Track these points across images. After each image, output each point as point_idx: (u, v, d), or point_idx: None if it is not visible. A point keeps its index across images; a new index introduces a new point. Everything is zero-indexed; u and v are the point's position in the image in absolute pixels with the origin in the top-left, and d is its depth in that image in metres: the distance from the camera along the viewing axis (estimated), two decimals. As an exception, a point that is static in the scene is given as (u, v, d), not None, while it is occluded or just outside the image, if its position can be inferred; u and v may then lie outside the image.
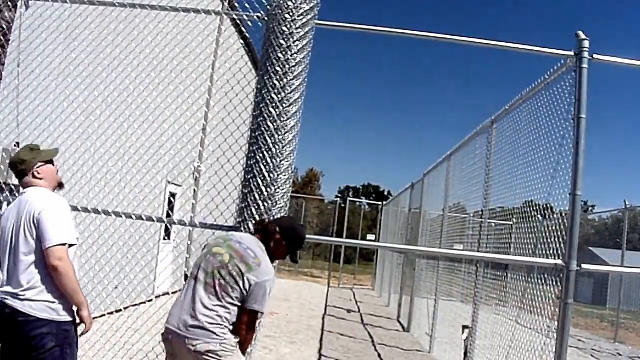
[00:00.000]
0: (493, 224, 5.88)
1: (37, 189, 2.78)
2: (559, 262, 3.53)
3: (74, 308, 2.69)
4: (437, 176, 8.90)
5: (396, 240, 13.57)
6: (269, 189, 3.42)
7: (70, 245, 2.65)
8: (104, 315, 6.01)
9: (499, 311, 5.66)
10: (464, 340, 5.59)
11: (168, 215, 9.04)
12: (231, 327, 2.69)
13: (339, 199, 22.81)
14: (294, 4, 3.49)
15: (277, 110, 3.44)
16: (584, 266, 3.53)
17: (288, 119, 3.48)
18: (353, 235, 20.91)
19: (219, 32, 7.66)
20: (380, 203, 21.78)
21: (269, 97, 3.45)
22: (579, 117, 3.54)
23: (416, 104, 71.87)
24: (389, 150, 74.17)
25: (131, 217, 4.05)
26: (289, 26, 3.48)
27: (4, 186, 4.57)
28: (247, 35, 9.31)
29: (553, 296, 3.86)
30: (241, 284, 2.67)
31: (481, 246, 5.86)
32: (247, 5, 3.97)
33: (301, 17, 3.51)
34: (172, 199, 9.80)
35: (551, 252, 3.78)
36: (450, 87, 72.60)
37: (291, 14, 3.49)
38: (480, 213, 6.00)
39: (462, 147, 7.26)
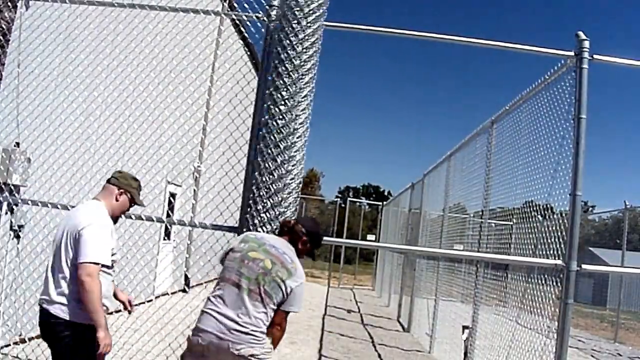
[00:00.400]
0: (493, 224, 5.88)
1: (102, 207, 2.93)
2: (559, 262, 3.53)
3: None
4: (437, 176, 8.90)
5: (396, 241, 13.57)
6: (274, 186, 3.42)
7: (103, 265, 2.76)
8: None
9: (499, 311, 5.66)
10: (464, 341, 5.58)
11: (168, 215, 9.04)
12: (266, 332, 2.73)
13: (339, 199, 22.82)
14: (304, 2, 3.50)
15: (285, 106, 3.44)
16: (584, 266, 3.53)
17: (296, 116, 3.48)
18: (353, 235, 20.91)
19: (219, 32, 7.66)
20: (380, 203, 21.78)
21: (277, 95, 3.45)
22: (579, 117, 3.54)
23: (416, 104, 71.93)
24: (389, 150, 74.22)
25: (131, 217, 4.05)
26: (297, 25, 3.48)
27: (3, 186, 4.57)
28: (246, 35, 9.33)
29: (553, 296, 3.85)
30: (283, 290, 2.72)
31: (481, 246, 5.86)
32: (245, 5, 3.98)
33: (310, 16, 3.51)
34: (172, 198, 9.80)
35: (551, 252, 3.78)
36: (450, 87, 72.62)
37: (300, 13, 3.49)
38: (480, 213, 6.00)
39: (462, 147, 7.26)
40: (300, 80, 3.48)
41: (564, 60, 3.79)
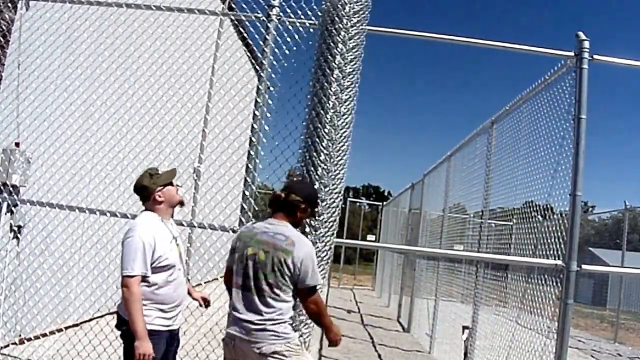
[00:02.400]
0: (493, 225, 5.88)
1: (145, 216, 2.98)
2: (559, 262, 3.53)
3: (166, 321, 2.88)
4: (437, 176, 8.90)
5: (396, 241, 13.56)
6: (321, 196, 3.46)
7: (145, 276, 2.80)
8: (104, 315, 6.00)
9: (499, 311, 5.65)
10: (464, 341, 5.58)
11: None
12: (292, 321, 2.68)
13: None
14: (350, 8, 3.54)
15: (330, 115, 3.49)
16: (584, 267, 3.53)
17: (343, 126, 3.54)
18: (353, 235, 20.89)
19: (219, 33, 7.65)
20: (380, 203, 21.77)
21: (324, 101, 3.49)
22: (579, 117, 3.54)
23: (416, 104, 71.93)
24: (389, 151, 74.21)
25: (131, 217, 4.05)
26: (343, 31, 3.54)
27: (3, 187, 4.57)
28: (245, 36, 9.32)
29: (553, 296, 3.85)
30: (288, 271, 2.62)
31: (481, 246, 5.86)
32: (244, 5, 3.98)
33: (354, 20, 3.59)
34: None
35: (551, 252, 3.78)
36: (450, 87, 72.65)
37: (345, 19, 3.54)
38: (480, 213, 6.00)
39: (462, 148, 7.26)
40: (347, 86, 3.56)
41: (564, 60, 3.79)
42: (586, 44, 3.61)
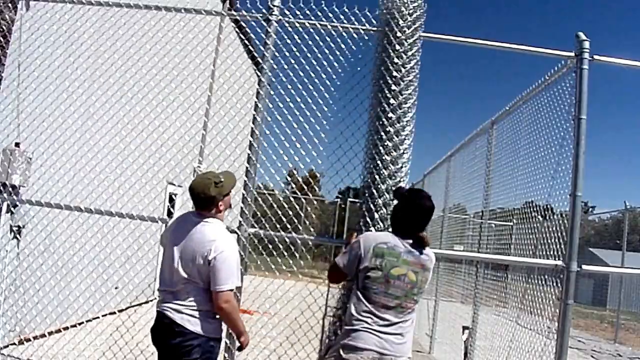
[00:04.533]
0: (493, 225, 5.88)
1: (215, 225, 2.95)
2: (559, 262, 3.53)
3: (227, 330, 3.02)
4: (437, 177, 8.90)
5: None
6: (382, 199, 3.51)
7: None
8: (105, 315, 6.01)
9: (499, 312, 5.65)
10: (464, 341, 5.58)
11: (169, 215, 9.03)
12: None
13: (339, 200, 22.79)
14: (407, 14, 3.60)
15: (390, 119, 3.54)
16: (584, 267, 3.53)
17: (403, 128, 3.59)
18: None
19: (220, 31, 7.66)
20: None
21: (382, 108, 3.56)
22: (579, 117, 3.53)
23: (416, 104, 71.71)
24: (389, 151, 73.96)
25: (132, 217, 4.05)
26: (400, 39, 3.60)
27: (3, 187, 4.57)
28: (249, 35, 9.31)
29: (553, 297, 3.85)
30: (425, 283, 2.82)
31: (481, 247, 5.86)
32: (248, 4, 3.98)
33: (411, 28, 3.63)
34: (173, 196, 9.80)
35: (551, 253, 3.78)
36: (450, 88, 72.63)
37: (402, 26, 3.61)
38: (481, 214, 6.00)
39: (463, 148, 7.26)
40: (405, 91, 3.60)
41: (564, 60, 3.78)
42: (586, 44, 3.61)
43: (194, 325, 2.79)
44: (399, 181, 3.59)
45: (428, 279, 2.82)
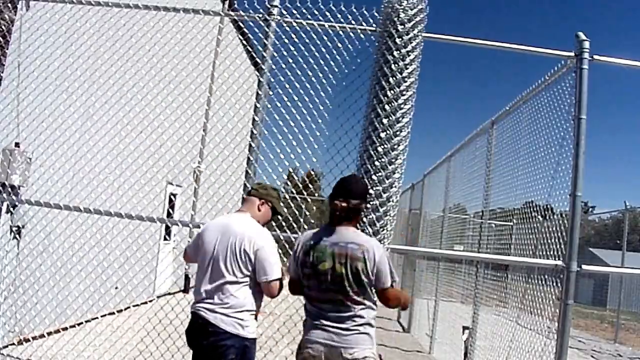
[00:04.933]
0: (493, 225, 5.88)
1: (250, 218, 3.00)
2: (559, 262, 3.53)
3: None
4: (438, 177, 8.89)
5: (396, 241, 13.55)
6: (377, 201, 3.51)
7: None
8: (104, 315, 6.00)
9: (499, 312, 5.65)
10: (464, 341, 5.58)
11: (168, 215, 9.03)
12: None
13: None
14: (405, 16, 3.60)
15: (388, 120, 3.55)
16: (584, 267, 3.53)
17: (399, 129, 3.60)
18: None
19: (220, 31, 7.65)
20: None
21: (380, 107, 3.56)
22: (579, 117, 3.53)
23: (416, 104, 71.76)
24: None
25: (131, 217, 4.05)
26: (400, 39, 3.60)
27: (3, 187, 4.57)
28: (244, 34, 9.30)
29: (553, 297, 3.85)
30: (368, 277, 2.64)
31: (481, 247, 5.85)
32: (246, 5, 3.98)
33: (412, 29, 3.63)
34: (172, 197, 9.79)
35: (551, 253, 3.78)
36: (451, 88, 72.62)
37: (403, 26, 3.61)
38: (481, 214, 5.99)
39: (463, 148, 7.25)
40: (403, 92, 3.60)
41: (564, 60, 3.78)
42: (586, 44, 3.61)
43: (227, 325, 2.77)
44: (392, 183, 3.58)
45: (364, 267, 2.62)
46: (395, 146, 3.58)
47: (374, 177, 3.53)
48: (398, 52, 3.58)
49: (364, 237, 2.74)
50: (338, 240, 2.69)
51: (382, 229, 3.61)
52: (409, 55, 3.61)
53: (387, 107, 3.53)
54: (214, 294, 2.83)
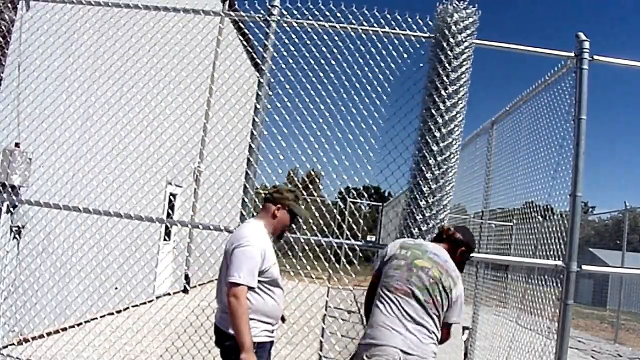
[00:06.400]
0: (493, 225, 5.87)
1: (252, 223, 2.95)
2: (559, 263, 3.53)
3: (270, 333, 2.87)
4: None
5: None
6: (430, 209, 3.47)
7: (250, 288, 2.72)
8: (103, 316, 6.00)
9: (499, 312, 5.65)
10: (464, 341, 5.57)
11: (168, 216, 9.03)
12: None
13: (339, 200, 22.78)
14: (457, 26, 3.56)
15: (440, 131, 3.50)
16: (584, 267, 3.53)
17: (452, 140, 3.54)
18: (353, 236, 20.87)
19: (220, 32, 7.65)
20: (380, 204, 21.74)
21: (433, 118, 3.52)
22: (579, 118, 3.53)
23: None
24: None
25: (131, 218, 4.05)
26: (452, 48, 3.56)
27: (3, 187, 4.57)
28: (244, 35, 9.30)
29: (553, 297, 3.85)
30: (450, 299, 2.66)
31: (481, 247, 5.85)
32: (247, 6, 3.98)
33: (464, 37, 3.59)
34: (172, 198, 9.79)
35: (551, 253, 3.78)
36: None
37: (455, 36, 3.56)
38: (481, 214, 5.99)
39: (463, 148, 7.24)
40: (455, 95, 3.56)
41: (564, 61, 3.78)
42: (586, 45, 3.60)
43: (228, 325, 2.75)
44: (444, 187, 3.54)
45: (450, 288, 2.65)
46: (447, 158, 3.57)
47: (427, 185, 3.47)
48: (448, 61, 3.53)
49: (456, 268, 2.81)
50: (438, 253, 2.77)
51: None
52: (459, 62, 3.58)
53: (439, 119, 3.49)
54: (221, 297, 2.86)
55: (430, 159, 3.46)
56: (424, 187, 3.45)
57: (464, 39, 3.55)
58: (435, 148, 3.47)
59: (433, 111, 3.50)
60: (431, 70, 3.59)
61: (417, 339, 2.53)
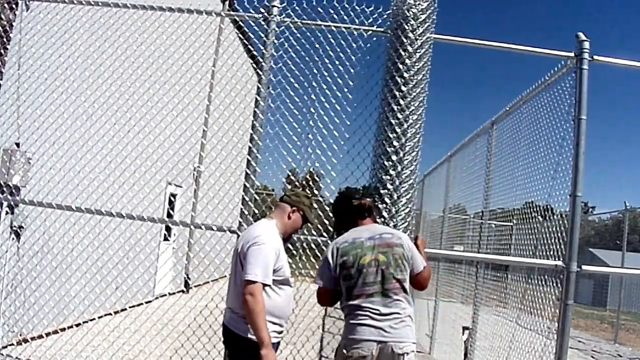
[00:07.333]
0: (493, 225, 5.88)
1: (265, 220, 2.99)
2: (559, 263, 3.53)
3: (279, 333, 2.88)
4: (437, 177, 8.89)
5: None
6: (390, 199, 3.52)
7: (265, 285, 2.74)
8: (102, 317, 6.00)
9: (499, 312, 5.65)
10: (464, 342, 5.57)
11: (169, 216, 9.03)
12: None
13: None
14: (415, 17, 3.59)
15: (398, 118, 3.54)
16: (584, 267, 3.53)
17: (409, 126, 3.58)
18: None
19: (220, 32, 7.65)
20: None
21: (390, 106, 3.56)
22: (579, 118, 3.53)
23: (416, 105, 71.68)
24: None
25: (132, 218, 4.05)
26: (410, 39, 3.60)
27: (3, 187, 4.57)
28: (244, 34, 9.30)
29: (553, 297, 3.85)
30: (405, 256, 2.78)
31: (481, 247, 5.85)
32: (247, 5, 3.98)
33: (421, 29, 3.63)
34: (172, 198, 9.80)
35: (551, 253, 3.78)
36: (451, 88, 72.60)
37: (412, 27, 3.60)
38: (481, 214, 5.99)
39: (463, 148, 7.25)
40: (412, 92, 3.60)
41: (564, 61, 3.78)
42: (586, 45, 3.60)
43: (232, 325, 2.78)
44: (405, 180, 3.58)
45: (404, 253, 2.78)
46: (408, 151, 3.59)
47: (389, 173, 3.53)
48: (406, 51, 3.57)
49: (391, 228, 2.96)
50: (371, 234, 2.84)
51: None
52: (415, 56, 3.61)
53: (399, 114, 3.53)
54: (231, 298, 2.88)
55: (391, 154, 3.53)
56: (388, 184, 3.52)
57: (420, 35, 3.59)
58: (396, 143, 3.53)
59: (392, 105, 3.54)
60: (390, 64, 3.62)
61: (390, 327, 2.66)
